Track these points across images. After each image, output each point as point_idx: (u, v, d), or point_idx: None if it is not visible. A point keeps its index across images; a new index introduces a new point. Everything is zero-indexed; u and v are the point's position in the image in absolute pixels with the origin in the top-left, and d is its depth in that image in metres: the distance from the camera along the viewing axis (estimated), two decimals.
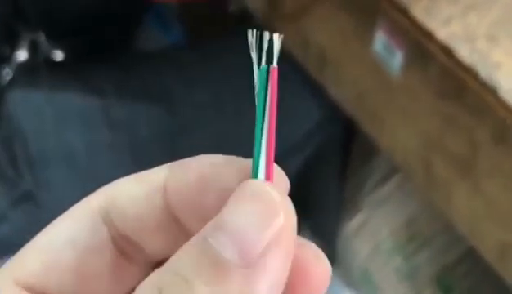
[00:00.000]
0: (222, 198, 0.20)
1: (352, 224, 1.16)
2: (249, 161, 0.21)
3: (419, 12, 0.72)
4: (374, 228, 1.15)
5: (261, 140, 0.20)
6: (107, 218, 0.24)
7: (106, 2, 0.97)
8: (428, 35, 0.71)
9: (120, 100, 0.88)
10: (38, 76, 0.87)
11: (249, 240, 0.18)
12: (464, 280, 1.09)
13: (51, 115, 0.85)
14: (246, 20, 1.07)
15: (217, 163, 0.23)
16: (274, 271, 0.18)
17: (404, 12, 0.73)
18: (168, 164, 0.24)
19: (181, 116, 0.91)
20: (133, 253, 0.25)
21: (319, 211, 1.18)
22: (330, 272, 0.21)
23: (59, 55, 0.94)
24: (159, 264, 0.24)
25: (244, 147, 1.09)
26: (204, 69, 0.96)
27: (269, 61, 0.21)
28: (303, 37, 0.91)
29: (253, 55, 0.21)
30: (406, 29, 0.74)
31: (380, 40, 0.78)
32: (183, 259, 0.19)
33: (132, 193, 0.24)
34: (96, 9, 0.97)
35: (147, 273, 0.24)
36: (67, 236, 0.24)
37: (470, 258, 1.04)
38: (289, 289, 0.20)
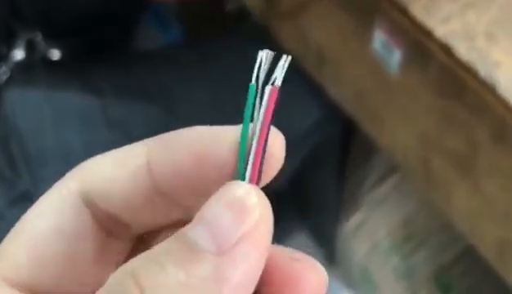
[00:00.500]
0: (216, 172, 0.22)
1: (351, 224, 1.16)
2: (237, 129, 0.22)
3: (418, 11, 0.72)
4: (372, 227, 1.15)
5: (245, 145, 0.21)
6: (88, 200, 0.24)
7: (104, 1, 0.97)
8: (427, 33, 0.71)
9: (118, 100, 0.88)
10: (35, 75, 0.87)
11: (224, 231, 0.19)
12: (462, 279, 1.09)
13: (48, 114, 0.84)
14: (244, 19, 1.07)
15: (207, 139, 0.23)
16: (245, 262, 0.19)
17: (403, 11, 0.73)
18: (146, 141, 0.25)
19: (179, 115, 0.90)
20: (119, 230, 0.25)
21: (317, 210, 1.18)
22: (326, 282, 0.22)
23: (56, 55, 0.94)
24: (145, 236, 0.25)
25: None
26: (203, 68, 0.96)
27: (267, 80, 0.22)
28: (302, 35, 0.91)
29: (261, 74, 0.22)
30: (405, 28, 0.74)
31: (379, 39, 0.78)
32: (158, 247, 0.20)
33: (114, 173, 0.24)
34: (93, 8, 0.97)
35: (134, 247, 0.25)
36: (50, 224, 0.23)
37: (468, 257, 1.04)
38: None
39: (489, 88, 0.68)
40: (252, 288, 0.20)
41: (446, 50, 0.70)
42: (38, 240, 0.23)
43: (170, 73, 0.93)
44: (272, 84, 0.22)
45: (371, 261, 1.15)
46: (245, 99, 0.22)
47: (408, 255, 1.13)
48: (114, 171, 0.24)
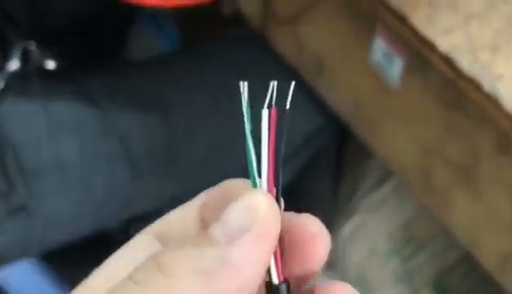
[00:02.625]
0: None
1: (349, 227, 1.16)
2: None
3: (419, 21, 0.71)
4: (370, 230, 1.15)
5: (251, 159, 0.25)
6: (161, 237, 0.28)
7: (98, 8, 0.96)
8: (429, 45, 0.70)
9: (115, 109, 0.87)
10: (30, 85, 0.85)
11: (233, 226, 0.23)
12: (461, 283, 1.09)
13: (44, 126, 0.83)
14: (240, 24, 1.06)
15: (235, 184, 0.27)
16: (249, 252, 0.23)
17: (404, 21, 0.72)
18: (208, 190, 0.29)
19: (177, 123, 0.90)
20: None
21: (315, 214, 1.17)
22: (328, 245, 0.26)
23: (51, 64, 0.93)
24: None
25: (240, 151, 1.08)
26: (199, 74, 0.95)
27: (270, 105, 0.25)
28: (299, 42, 0.90)
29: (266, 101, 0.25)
30: (405, 38, 0.73)
31: (380, 48, 0.77)
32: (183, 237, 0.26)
33: (177, 214, 0.29)
34: (87, 16, 0.95)
35: None
36: (128, 258, 0.27)
37: (467, 261, 1.03)
38: (292, 259, 0.25)
39: (492, 100, 0.67)
40: (255, 278, 0.23)
41: (449, 62, 0.69)
42: (117, 275, 0.25)
43: (166, 80, 0.92)
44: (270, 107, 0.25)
45: (370, 265, 1.15)
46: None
47: (408, 258, 1.13)
48: (177, 212, 0.29)
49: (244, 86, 0.25)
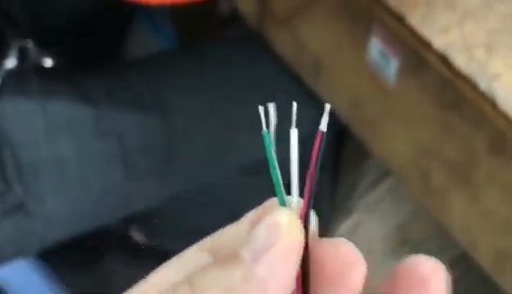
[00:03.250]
0: None
1: (344, 228, 1.16)
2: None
3: (415, 20, 0.71)
4: (366, 231, 1.15)
5: (278, 176, 0.25)
6: (213, 251, 0.28)
7: (96, 7, 0.96)
8: (425, 44, 0.70)
9: (112, 109, 0.87)
10: (27, 84, 0.85)
11: (259, 245, 0.24)
12: (457, 283, 1.09)
13: (41, 125, 0.83)
14: (237, 23, 1.06)
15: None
16: (273, 268, 0.24)
17: (400, 20, 0.72)
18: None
19: (174, 123, 0.90)
20: None
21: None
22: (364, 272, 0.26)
23: (48, 62, 0.92)
24: None
25: (239, 150, 1.08)
26: (196, 74, 0.95)
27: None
28: (297, 42, 0.90)
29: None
30: (402, 37, 0.73)
31: (376, 47, 0.77)
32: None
33: (231, 228, 0.29)
34: (85, 14, 0.95)
35: None
36: (175, 269, 0.28)
37: (463, 262, 1.03)
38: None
39: (488, 100, 0.67)
40: (282, 292, 0.24)
41: (445, 61, 0.69)
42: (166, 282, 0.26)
43: (163, 80, 0.92)
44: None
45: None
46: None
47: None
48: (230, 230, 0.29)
49: (269, 109, 0.26)
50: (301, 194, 0.26)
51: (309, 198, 0.26)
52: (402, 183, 0.92)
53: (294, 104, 0.26)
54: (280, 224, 0.24)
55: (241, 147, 0.92)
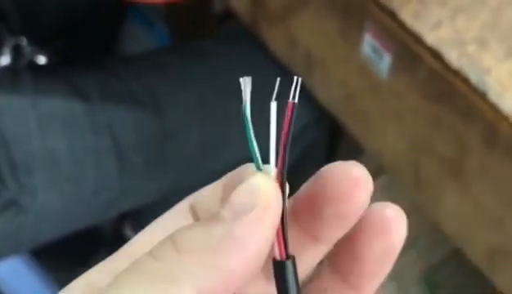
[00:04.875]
0: None
1: None
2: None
3: (407, 16, 0.72)
4: None
5: (254, 143, 0.27)
6: (194, 210, 0.30)
7: (89, 6, 0.96)
8: (417, 39, 0.71)
9: (105, 105, 0.87)
10: (21, 80, 0.86)
11: (239, 205, 0.25)
12: (451, 278, 1.09)
13: (34, 121, 0.83)
14: (231, 20, 1.06)
15: (250, 168, 0.28)
16: (253, 228, 0.25)
17: (392, 15, 0.73)
18: None
19: (167, 119, 0.90)
20: None
21: None
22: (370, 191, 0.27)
23: (42, 60, 0.93)
24: None
25: (232, 147, 1.08)
26: (189, 71, 0.95)
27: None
28: (290, 38, 0.91)
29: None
30: (394, 32, 0.74)
31: (369, 43, 0.77)
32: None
33: (209, 189, 0.31)
34: (78, 12, 0.95)
35: None
36: (161, 229, 0.29)
37: (457, 256, 1.03)
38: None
39: (480, 94, 0.67)
40: (260, 253, 0.25)
41: (437, 56, 0.69)
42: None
43: (156, 76, 0.92)
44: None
45: None
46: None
47: (397, 255, 1.13)
48: (209, 189, 0.31)
49: (245, 82, 0.27)
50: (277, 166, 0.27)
51: (283, 163, 0.27)
52: (395, 178, 0.93)
53: (278, 79, 0.27)
54: (259, 187, 0.26)
55: (234, 141, 0.93)
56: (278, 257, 0.27)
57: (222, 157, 0.94)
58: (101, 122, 0.86)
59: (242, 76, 0.27)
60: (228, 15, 1.06)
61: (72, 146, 0.84)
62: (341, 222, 0.28)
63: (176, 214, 0.30)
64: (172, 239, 0.26)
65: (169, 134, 0.89)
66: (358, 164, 0.27)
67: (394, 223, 0.29)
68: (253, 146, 0.27)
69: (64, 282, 0.29)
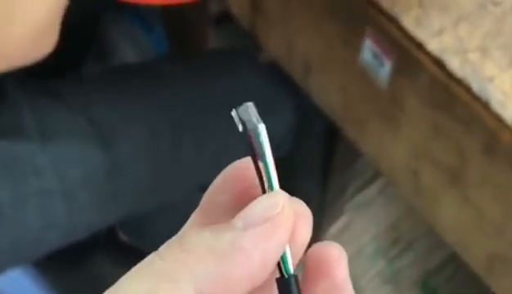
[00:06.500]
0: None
1: (335, 228, 1.16)
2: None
3: (409, 22, 0.71)
4: (357, 231, 1.15)
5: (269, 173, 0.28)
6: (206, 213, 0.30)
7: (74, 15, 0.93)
8: (419, 46, 0.70)
9: (48, 144, 0.82)
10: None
11: (251, 217, 0.26)
12: (448, 283, 1.10)
13: None
14: (228, 23, 1.05)
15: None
16: (261, 241, 0.26)
17: (394, 22, 0.72)
18: None
19: (116, 153, 0.86)
20: None
21: None
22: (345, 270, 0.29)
23: None
24: None
25: (183, 179, 1.04)
26: (140, 103, 0.90)
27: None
28: (288, 42, 0.90)
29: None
30: (395, 39, 0.73)
31: (369, 49, 0.77)
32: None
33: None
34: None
35: None
36: None
37: (454, 261, 1.03)
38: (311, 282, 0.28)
39: (482, 103, 0.67)
40: (263, 267, 0.26)
41: (438, 63, 0.69)
42: None
43: (104, 109, 0.87)
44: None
45: (356, 265, 1.15)
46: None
47: (394, 259, 1.13)
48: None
49: (250, 107, 0.28)
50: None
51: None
52: (393, 184, 0.92)
53: (252, 105, 0.28)
54: (277, 205, 0.26)
55: (186, 176, 0.91)
56: (286, 273, 0.27)
57: (175, 187, 0.92)
58: (43, 162, 0.81)
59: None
60: (225, 19, 1.05)
61: (14, 190, 0.80)
62: None
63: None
64: (180, 241, 0.26)
65: (118, 167, 0.85)
66: (334, 244, 0.29)
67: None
68: (269, 166, 0.28)
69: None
